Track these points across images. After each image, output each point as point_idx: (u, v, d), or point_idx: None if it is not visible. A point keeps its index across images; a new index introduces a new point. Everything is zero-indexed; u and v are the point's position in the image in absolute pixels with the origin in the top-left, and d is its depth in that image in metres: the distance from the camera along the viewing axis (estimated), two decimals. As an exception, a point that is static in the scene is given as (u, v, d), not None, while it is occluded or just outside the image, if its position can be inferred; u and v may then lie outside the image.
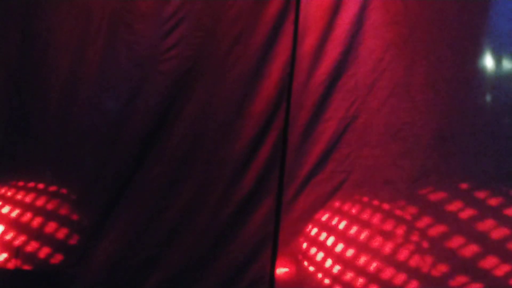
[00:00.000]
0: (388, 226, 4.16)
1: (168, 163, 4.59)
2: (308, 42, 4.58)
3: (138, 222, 4.56)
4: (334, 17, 4.56)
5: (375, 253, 4.13)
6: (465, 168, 4.12)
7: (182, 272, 4.45)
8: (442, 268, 4.00)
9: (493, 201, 4.05)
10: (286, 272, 4.30)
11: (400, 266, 4.06)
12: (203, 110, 4.64)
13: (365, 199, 4.27)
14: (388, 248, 4.11)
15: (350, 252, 4.18)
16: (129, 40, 4.78)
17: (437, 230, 4.07)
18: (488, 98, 4.18)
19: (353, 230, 4.23)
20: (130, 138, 4.65)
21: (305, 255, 4.29)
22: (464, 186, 4.11)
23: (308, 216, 4.30)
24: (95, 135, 4.71)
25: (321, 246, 4.26)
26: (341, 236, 4.26)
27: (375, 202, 4.26)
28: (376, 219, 4.21)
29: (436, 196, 4.16)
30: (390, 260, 4.09)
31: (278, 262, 4.30)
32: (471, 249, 3.93)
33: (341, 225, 4.27)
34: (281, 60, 4.58)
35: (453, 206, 4.11)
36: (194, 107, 4.64)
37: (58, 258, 4.67)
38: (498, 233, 3.95)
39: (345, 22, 4.52)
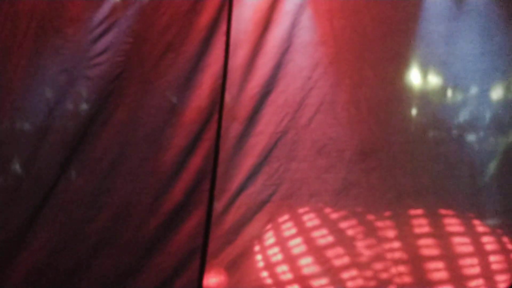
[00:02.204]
0: (315, 235, 4.22)
1: (94, 172, 4.33)
2: (240, 55, 4.55)
3: (63, 233, 4.27)
4: (265, 32, 4.56)
5: (303, 261, 4.18)
6: (384, 183, 4.28)
7: (108, 284, 4.23)
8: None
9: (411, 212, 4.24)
10: (215, 283, 4.24)
11: (328, 272, 4.15)
12: (131, 118, 4.44)
13: (293, 210, 4.29)
14: (315, 256, 4.18)
15: (280, 262, 4.20)
16: (57, 45, 4.46)
17: (359, 236, 4.18)
18: (411, 115, 4.37)
19: (283, 240, 4.24)
20: (55, 144, 4.33)
21: (235, 266, 4.25)
22: (382, 200, 4.27)
23: (238, 228, 4.26)
24: (18, 140, 4.34)
25: (251, 256, 4.24)
26: (272, 246, 4.25)
27: (302, 213, 4.31)
28: (302, 229, 4.25)
29: (358, 208, 4.29)
30: (318, 266, 4.16)
31: (207, 273, 4.22)
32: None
33: (270, 235, 4.27)
34: (213, 70, 4.50)
35: (371, 218, 4.26)
36: (122, 115, 4.43)
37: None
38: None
39: (276, 38, 4.55)
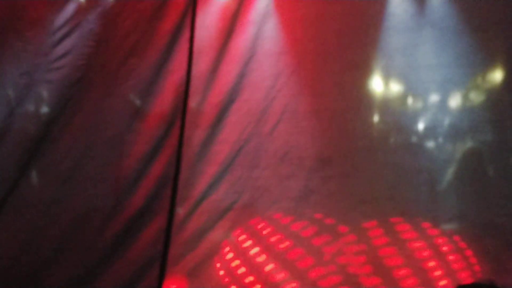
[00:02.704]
0: (275, 241, 4.25)
1: (54, 176, 4.21)
2: (204, 62, 4.54)
3: (21, 238, 4.13)
4: (229, 40, 4.57)
5: (265, 265, 4.20)
6: (343, 190, 4.36)
7: (67, 290, 4.13)
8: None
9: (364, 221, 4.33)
10: (174, 291, 4.21)
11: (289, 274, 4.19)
12: (92, 122, 4.35)
13: (255, 217, 4.32)
14: (276, 260, 4.21)
15: (242, 267, 4.21)
16: (18, 47, 4.31)
17: (320, 241, 4.23)
18: (370, 124, 4.47)
19: (245, 246, 4.26)
20: (14, 147, 4.18)
21: (196, 273, 4.23)
22: (341, 206, 4.35)
23: (200, 235, 4.24)
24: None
25: (213, 263, 4.23)
26: (234, 252, 4.27)
27: (263, 220, 4.33)
28: (263, 236, 4.28)
29: (316, 215, 4.35)
30: (279, 269, 4.19)
31: (166, 280, 4.18)
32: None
33: (233, 242, 4.27)
34: (176, 77, 4.47)
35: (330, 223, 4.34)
36: (83, 119, 4.33)
37: None
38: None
39: (240, 47, 4.56)
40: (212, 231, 4.26)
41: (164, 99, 4.38)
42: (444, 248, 4.15)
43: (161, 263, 4.19)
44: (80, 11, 4.27)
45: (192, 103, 4.39)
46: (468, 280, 4.01)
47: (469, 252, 4.12)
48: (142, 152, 4.30)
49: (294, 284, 4.13)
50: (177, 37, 4.46)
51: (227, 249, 4.29)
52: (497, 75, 4.37)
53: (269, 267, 4.20)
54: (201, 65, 4.47)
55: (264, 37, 4.55)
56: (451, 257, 4.10)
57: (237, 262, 4.23)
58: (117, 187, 4.23)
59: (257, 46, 4.51)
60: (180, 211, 4.25)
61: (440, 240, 4.17)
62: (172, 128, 4.34)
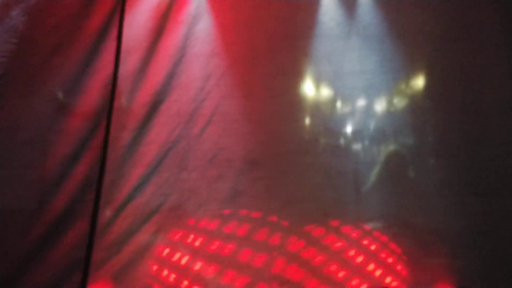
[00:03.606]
0: (202, 242, 4.19)
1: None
2: (131, 61, 4.42)
3: None
4: (159, 40, 4.47)
5: (192, 266, 4.13)
6: (270, 192, 4.36)
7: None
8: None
9: (285, 223, 4.32)
10: (98, 296, 4.05)
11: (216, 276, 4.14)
12: (14, 121, 4.12)
13: (181, 220, 4.23)
14: (203, 261, 4.15)
15: (168, 273, 4.12)
16: None
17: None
18: (298, 127, 4.51)
19: (171, 248, 4.16)
20: None
21: (120, 277, 4.09)
22: (266, 207, 4.34)
23: (125, 238, 4.10)
24: None
25: (138, 267, 4.10)
26: (159, 254, 4.17)
27: (191, 223, 4.26)
28: (191, 238, 4.21)
29: (245, 216, 4.33)
30: (207, 271, 4.14)
31: (90, 286, 4.01)
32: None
33: (159, 245, 4.17)
34: (102, 76, 4.32)
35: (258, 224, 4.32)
36: (4, 118, 4.09)
37: None
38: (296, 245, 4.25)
39: (169, 47, 4.47)
40: (137, 235, 4.13)
41: (89, 98, 4.22)
42: (372, 248, 4.20)
43: (84, 267, 4.02)
44: (3, 7, 4.03)
45: (119, 103, 4.26)
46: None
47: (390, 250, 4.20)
48: (66, 153, 4.11)
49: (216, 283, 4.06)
50: (105, 35, 4.32)
51: (154, 252, 4.15)
52: (418, 82, 4.51)
53: (196, 267, 4.10)
54: (129, 65, 4.34)
55: (194, 38, 4.48)
56: (383, 255, 4.17)
57: (164, 265, 4.11)
58: (39, 189, 4.01)
59: (188, 47, 4.44)
60: (104, 214, 4.08)
61: (366, 241, 4.22)
62: (98, 129, 4.18)
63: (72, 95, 4.21)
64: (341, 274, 4.14)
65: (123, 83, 4.30)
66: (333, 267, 4.15)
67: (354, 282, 4.10)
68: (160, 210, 4.18)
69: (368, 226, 4.26)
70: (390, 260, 4.18)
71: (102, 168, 4.11)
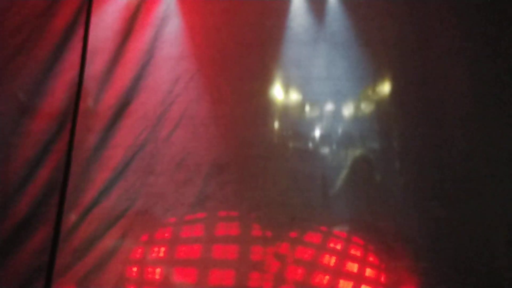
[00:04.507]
0: (169, 248, 4.10)
1: None
2: (98, 63, 4.29)
3: None
4: (126, 42, 4.37)
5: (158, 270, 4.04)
6: (238, 196, 4.31)
7: None
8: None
9: (257, 227, 4.29)
10: (60, 303, 3.90)
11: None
12: (-28, 124, 3.93)
13: (148, 225, 4.13)
14: (170, 266, 4.06)
15: (134, 277, 4.00)
16: None
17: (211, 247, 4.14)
18: (266, 131, 4.47)
19: (137, 253, 4.06)
20: None
21: (84, 283, 3.95)
22: (236, 211, 4.29)
23: (90, 243, 3.97)
24: None
25: (103, 273, 3.98)
26: (125, 260, 4.04)
27: (156, 227, 4.16)
28: (156, 243, 4.12)
29: (212, 220, 4.26)
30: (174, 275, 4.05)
31: (52, 293, 3.86)
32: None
33: (125, 250, 4.06)
34: (68, 77, 4.18)
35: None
36: (-38, 120, 3.90)
37: None
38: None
39: (137, 49, 4.38)
40: (103, 239, 4.00)
41: (54, 100, 4.08)
42: (338, 247, 4.21)
43: (47, 273, 3.86)
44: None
45: (85, 105, 4.13)
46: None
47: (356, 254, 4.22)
48: (29, 156, 3.96)
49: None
50: (70, 36, 4.19)
51: (120, 257, 4.03)
52: (383, 88, 4.55)
53: (164, 272, 4.01)
54: (95, 66, 4.22)
55: (163, 40, 4.39)
56: (344, 259, 4.19)
57: (130, 270, 3.99)
58: (1, 193, 3.83)
59: (156, 49, 4.35)
60: (69, 218, 3.93)
61: (333, 244, 4.22)
62: (62, 131, 4.04)
63: (36, 97, 4.06)
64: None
65: (89, 84, 4.16)
66: (300, 270, 4.12)
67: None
68: (126, 214, 4.07)
69: (336, 230, 4.25)
70: (355, 265, 4.19)
71: (67, 171, 3.97)
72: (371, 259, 4.22)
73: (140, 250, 4.07)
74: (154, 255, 4.05)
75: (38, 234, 3.87)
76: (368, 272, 4.20)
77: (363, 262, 4.21)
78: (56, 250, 3.88)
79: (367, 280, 4.16)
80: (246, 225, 4.27)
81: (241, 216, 4.29)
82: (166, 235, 4.17)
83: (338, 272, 4.15)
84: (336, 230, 4.28)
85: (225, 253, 4.15)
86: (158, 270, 4.03)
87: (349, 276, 4.17)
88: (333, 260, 4.18)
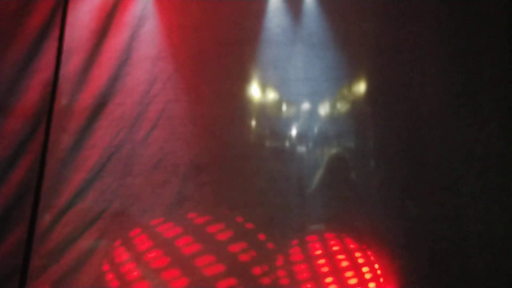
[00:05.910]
0: (146, 249, 4.00)
1: None
2: (73, 62, 4.17)
3: None
4: (102, 41, 4.25)
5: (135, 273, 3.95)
6: (216, 197, 4.24)
7: None
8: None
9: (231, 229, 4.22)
10: (34, 307, 3.76)
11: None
12: None
13: (124, 227, 4.02)
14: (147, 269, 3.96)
15: (110, 280, 3.89)
16: None
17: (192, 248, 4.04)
18: (244, 132, 4.42)
19: (114, 256, 3.96)
20: None
21: (59, 286, 3.83)
22: (214, 212, 4.22)
23: (65, 246, 3.84)
24: None
25: (79, 275, 3.86)
26: (101, 263, 3.95)
27: (133, 229, 4.06)
28: (133, 246, 4.01)
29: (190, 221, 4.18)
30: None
31: (26, 296, 3.73)
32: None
33: (102, 252, 3.95)
34: (42, 77, 4.05)
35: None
36: None
37: None
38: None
39: (114, 49, 4.26)
40: (78, 242, 3.88)
41: (28, 99, 3.95)
42: (313, 246, 4.18)
43: (20, 276, 3.72)
44: None
45: (60, 105, 4.00)
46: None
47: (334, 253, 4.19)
48: (2, 156, 3.83)
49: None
50: (45, 35, 4.06)
51: (96, 259, 3.91)
52: (359, 89, 4.53)
53: (142, 273, 3.91)
54: (70, 66, 4.10)
55: (140, 40, 4.29)
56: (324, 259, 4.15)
57: (106, 272, 3.88)
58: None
59: (132, 49, 4.24)
60: (43, 220, 3.80)
61: (311, 243, 4.18)
62: (37, 131, 3.91)
63: (9, 96, 3.92)
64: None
65: (65, 84, 4.04)
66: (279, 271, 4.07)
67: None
68: (102, 216, 3.96)
69: (313, 229, 4.21)
70: (332, 264, 4.16)
71: (41, 172, 3.83)
72: (347, 257, 4.18)
73: (117, 252, 3.95)
74: (131, 256, 3.93)
75: (11, 236, 3.74)
76: (345, 271, 4.16)
77: (339, 261, 4.17)
78: (30, 253, 3.75)
79: (343, 279, 4.12)
80: (225, 226, 4.18)
81: (219, 217, 4.19)
82: (143, 236, 4.05)
83: (315, 273, 4.11)
84: (313, 229, 4.23)
85: (205, 252, 4.05)
86: (135, 272, 3.91)
87: (325, 275, 4.12)
88: (310, 260, 4.12)
